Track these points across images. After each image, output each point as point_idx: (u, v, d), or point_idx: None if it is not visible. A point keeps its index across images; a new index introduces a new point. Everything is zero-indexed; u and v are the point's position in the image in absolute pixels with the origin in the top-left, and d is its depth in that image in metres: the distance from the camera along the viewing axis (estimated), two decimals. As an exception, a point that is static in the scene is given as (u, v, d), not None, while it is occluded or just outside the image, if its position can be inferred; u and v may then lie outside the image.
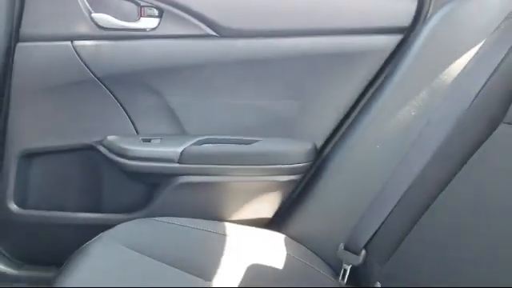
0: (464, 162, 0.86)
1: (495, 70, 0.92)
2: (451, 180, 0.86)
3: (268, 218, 1.13)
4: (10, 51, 1.04)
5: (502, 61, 0.92)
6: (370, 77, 1.09)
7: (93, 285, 0.85)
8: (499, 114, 0.87)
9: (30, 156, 1.12)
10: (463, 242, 0.81)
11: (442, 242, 0.84)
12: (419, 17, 1.08)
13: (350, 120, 1.11)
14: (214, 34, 1.06)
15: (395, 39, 1.08)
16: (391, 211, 0.94)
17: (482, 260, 0.77)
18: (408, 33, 1.08)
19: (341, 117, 1.12)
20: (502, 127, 0.85)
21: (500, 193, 0.79)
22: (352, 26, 1.09)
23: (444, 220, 0.85)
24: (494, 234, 0.77)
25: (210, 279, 0.91)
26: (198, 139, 1.10)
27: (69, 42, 1.04)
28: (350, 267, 0.97)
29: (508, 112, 0.86)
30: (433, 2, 1.08)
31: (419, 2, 1.08)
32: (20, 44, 1.04)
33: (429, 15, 1.07)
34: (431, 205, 0.87)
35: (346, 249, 0.99)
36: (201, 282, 0.90)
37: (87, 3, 1.04)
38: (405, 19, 1.08)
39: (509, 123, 0.84)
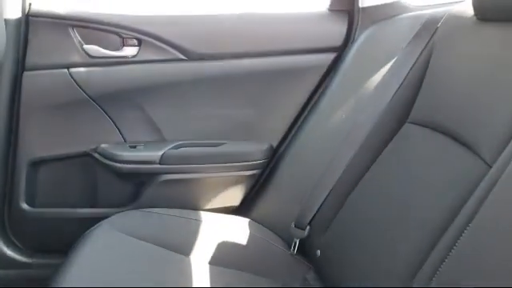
0: (380, 153, 1.11)
1: (404, 79, 1.17)
2: (370, 167, 1.10)
3: (235, 206, 1.37)
4: (17, 78, 1.26)
5: (409, 71, 1.17)
6: (312, 87, 1.34)
7: (94, 264, 1.07)
8: (405, 115, 1.12)
9: (37, 163, 1.33)
10: (380, 215, 1.04)
11: (364, 216, 1.08)
12: (349, 37, 1.32)
13: (298, 123, 1.35)
14: (183, 57, 1.29)
15: (331, 56, 1.33)
16: (328, 193, 1.18)
17: (393, 226, 1.00)
18: (340, 51, 1.33)
19: (291, 121, 1.36)
20: (406, 126, 1.10)
21: (404, 176, 1.04)
22: (296, 47, 1.33)
23: (366, 198, 1.09)
24: (401, 209, 1.00)
25: (188, 255, 1.14)
26: (175, 144, 1.33)
27: (66, 70, 1.27)
28: (298, 240, 1.22)
29: (411, 113, 1.11)
30: (359, 25, 1.32)
31: (349, 25, 1.33)
32: (26, 72, 1.26)
33: (356, 36, 1.32)
34: (356, 187, 1.12)
35: (295, 226, 1.23)
36: (182, 258, 1.14)
37: (79, 37, 1.27)
38: (337, 40, 1.33)
39: (411, 122, 1.09)
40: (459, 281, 0.67)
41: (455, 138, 0.91)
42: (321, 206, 1.19)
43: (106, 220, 1.19)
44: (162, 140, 1.35)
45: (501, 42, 0.91)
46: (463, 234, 0.69)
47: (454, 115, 0.94)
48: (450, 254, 0.70)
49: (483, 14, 0.97)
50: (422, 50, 1.16)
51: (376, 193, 1.07)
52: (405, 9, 1.32)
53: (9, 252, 1.35)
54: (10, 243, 1.36)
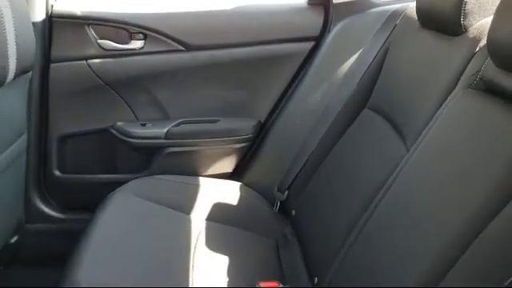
0: (344, 131, 1.33)
1: (367, 69, 1.37)
2: (337, 143, 1.33)
3: (229, 173, 1.62)
4: (45, 70, 1.49)
5: (371, 62, 1.37)
6: (293, 72, 1.54)
7: (116, 222, 1.33)
8: (365, 101, 1.33)
9: (65, 138, 1.59)
10: (338, 181, 1.26)
11: (328, 182, 1.31)
12: (325, 28, 1.52)
13: (281, 103, 1.57)
14: (182, 48, 1.51)
15: (309, 45, 1.53)
16: (304, 164, 1.43)
17: (345, 189, 1.21)
18: (318, 40, 1.53)
19: (275, 101, 1.58)
20: (365, 111, 1.32)
21: (354, 153, 1.25)
22: (279, 37, 1.53)
23: (331, 168, 1.32)
24: (350, 177, 1.22)
25: (189, 213, 1.41)
26: (177, 121, 1.57)
27: (84, 61, 1.50)
28: (279, 202, 1.48)
29: (369, 100, 1.32)
30: (334, 18, 1.50)
31: (325, 18, 1.52)
32: (52, 65, 1.50)
33: (331, 27, 1.51)
34: (325, 159, 1.35)
35: (277, 190, 1.49)
36: (184, 216, 1.40)
37: (94, 33, 1.49)
38: (315, 30, 1.53)
39: (369, 108, 1.31)
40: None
41: (394, 126, 1.14)
42: (297, 174, 1.44)
43: (123, 186, 1.45)
44: (166, 118, 1.59)
45: (434, 48, 1.11)
46: (371, 217, 0.93)
47: (395, 106, 1.16)
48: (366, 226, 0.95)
49: (422, 23, 1.17)
50: (383, 44, 1.36)
51: (338, 164, 1.31)
52: (373, 4, 1.50)
53: (46, 209, 1.62)
54: (46, 203, 1.63)
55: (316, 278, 1.11)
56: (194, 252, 1.26)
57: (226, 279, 1.20)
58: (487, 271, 0.61)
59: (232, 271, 1.22)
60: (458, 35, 0.98)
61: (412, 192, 0.85)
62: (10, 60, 1.10)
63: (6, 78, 1.10)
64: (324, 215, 1.22)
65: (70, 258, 1.17)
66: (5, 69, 1.09)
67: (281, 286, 1.12)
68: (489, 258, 0.61)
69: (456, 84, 0.89)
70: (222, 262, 1.25)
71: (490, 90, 0.78)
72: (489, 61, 0.79)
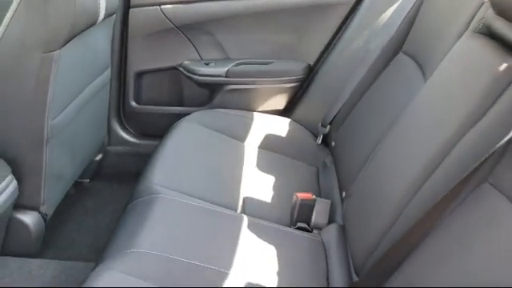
0: (380, 73, 1.50)
1: (406, 15, 1.51)
2: (373, 83, 1.51)
3: (280, 109, 1.83)
4: (126, 14, 1.74)
5: (411, 8, 1.50)
6: (340, 20, 1.71)
7: (180, 147, 1.55)
8: (400, 46, 1.48)
9: (141, 73, 1.84)
10: (370, 118, 1.43)
11: (362, 119, 1.49)
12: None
13: (329, 49, 1.75)
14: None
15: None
16: (344, 103, 1.61)
17: (376, 124, 1.42)
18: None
19: (324, 45, 1.76)
20: (399, 55, 1.47)
21: (384, 93, 1.42)
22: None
23: (365, 107, 1.50)
24: (379, 113, 1.40)
25: (243, 141, 1.64)
26: (236, 62, 1.79)
27: (158, 7, 1.73)
28: (321, 135, 1.69)
29: (405, 43, 1.47)
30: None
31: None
32: (131, 9, 1.74)
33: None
34: (361, 98, 1.53)
35: (321, 125, 1.69)
36: (239, 143, 1.63)
37: (168, -16, 1.72)
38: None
39: (403, 52, 1.46)
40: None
41: (420, 67, 1.29)
42: (338, 111, 1.63)
43: (188, 116, 1.70)
44: (227, 59, 1.81)
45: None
46: (387, 138, 1.12)
47: (423, 49, 1.31)
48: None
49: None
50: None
51: (371, 102, 1.49)
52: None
53: (123, 134, 1.91)
54: (124, 129, 1.91)
55: (344, 192, 1.32)
56: (246, 173, 1.50)
57: (271, 193, 1.43)
58: (464, 170, 0.80)
59: (276, 187, 1.45)
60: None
61: (417, 117, 1.04)
62: (101, 4, 1.35)
63: (97, 18, 1.36)
64: (356, 145, 1.42)
65: (143, 171, 1.43)
66: (97, 11, 1.34)
67: (314, 197, 1.34)
68: (465, 160, 0.80)
69: (467, 28, 1.04)
70: (268, 181, 1.48)
71: (488, 34, 0.94)
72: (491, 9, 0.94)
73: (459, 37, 1.05)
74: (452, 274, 0.77)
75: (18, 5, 1.16)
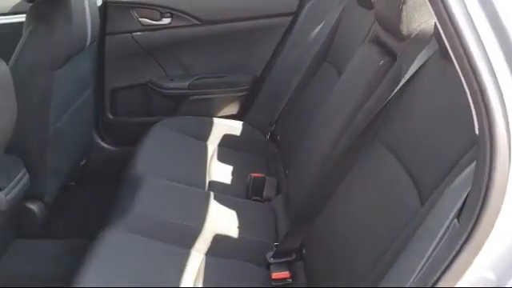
0: (312, 78, 1.91)
1: (329, 32, 1.92)
2: (308, 85, 1.92)
3: (234, 114, 2.21)
4: (102, 40, 2.08)
5: (332, 27, 1.92)
6: (279, 38, 2.12)
7: (153, 146, 1.91)
8: (325, 55, 1.90)
9: (116, 90, 2.18)
10: (310, 112, 1.85)
11: (306, 111, 1.90)
12: (301, 5, 2.09)
13: (271, 62, 2.15)
14: (198, 23, 2.09)
15: (289, 19, 2.11)
16: (286, 102, 2.01)
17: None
18: (296, 14, 2.10)
19: (267, 60, 2.16)
20: (324, 64, 1.89)
21: (321, 92, 1.84)
22: (266, 13, 2.11)
23: (304, 103, 1.91)
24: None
25: (205, 141, 2.01)
26: (196, 77, 2.17)
27: (129, 34, 2.10)
28: (269, 132, 2.07)
29: (328, 54, 1.88)
30: (307, -3, 2.08)
31: (301, -2, 2.09)
32: (107, 36, 2.09)
33: (306, 2, 2.08)
34: (301, 96, 1.94)
35: (268, 124, 2.08)
36: (201, 142, 2.00)
37: (136, 14, 2.08)
38: (293, 7, 2.10)
39: (327, 61, 1.88)
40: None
41: (336, 69, 1.70)
42: (281, 110, 2.02)
43: (158, 123, 2.05)
44: (188, 75, 2.19)
45: (359, 16, 1.68)
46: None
47: (338, 57, 1.73)
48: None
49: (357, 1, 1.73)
50: (339, 15, 1.91)
51: (306, 102, 1.87)
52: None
53: (102, 143, 2.23)
54: (102, 138, 2.24)
55: (286, 170, 1.71)
56: (210, 164, 1.87)
57: (230, 176, 1.80)
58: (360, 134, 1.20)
59: (234, 172, 1.83)
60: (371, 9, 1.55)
61: (332, 103, 1.45)
62: (88, 33, 1.71)
63: (86, 44, 1.71)
64: (296, 133, 1.81)
65: (128, 163, 1.77)
66: (86, 38, 1.69)
67: (264, 176, 1.73)
68: (360, 127, 1.21)
69: (366, 39, 1.47)
70: (228, 168, 1.86)
71: (377, 41, 1.36)
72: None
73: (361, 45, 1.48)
74: (351, 211, 1.16)
75: (28, 36, 1.50)
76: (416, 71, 1.09)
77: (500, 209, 0.55)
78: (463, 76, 0.60)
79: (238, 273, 1.32)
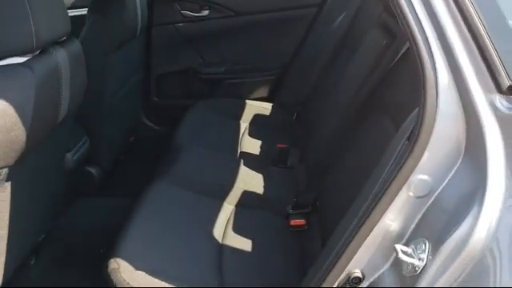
0: (333, 61, 2.14)
1: (348, 21, 2.15)
2: (329, 66, 2.15)
3: (265, 96, 2.46)
4: (149, 30, 2.36)
5: (352, 15, 2.14)
6: (305, 28, 2.35)
7: (192, 124, 2.20)
8: (344, 41, 2.13)
9: (161, 75, 2.47)
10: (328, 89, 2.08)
11: (322, 93, 2.13)
12: (325, -1, 2.32)
13: (299, 50, 2.39)
14: (233, 14, 2.35)
15: (314, 10, 2.33)
16: (312, 85, 2.25)
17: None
18: (321, 5, 2.33)
19: (295, 47, 2.40)
20: (344, 50, 2.11)
21: (338, 72, 2.07)
22: (290, 5, 2.34)
23: (324, 84, 2.14)
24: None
25: (238, 120, 2.26)
26: (231, 63, 2.43)
27: (173, 25, 2.38)
28: (296, 113, 2.31)
29: (347, 40, 2.11)
30: (331, -9, 2.30)
31: (326, -10, 2.32)
32: (153, 28, 2.38)
33: (329, -4, 2.31)
34: (322, 78, 2.17)
35: (295, 106, 2.32)
36: (236, 122, 2.26)
37: (179, 7, 2.36)
38: (318, -1, 2.33)
39: (346, 47, 2.10)
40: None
41: (353, 52, 1.92)
42: (305, 95, 2.25)
43: (197, 103, 2.32)
44: (224, 61, 2.45)
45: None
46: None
47: (356, 40, 1.95)
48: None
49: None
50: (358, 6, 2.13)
51: (328, 84, 2.11)
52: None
53: (148, 123, 2.54)
54: (149, 118, 2.54)
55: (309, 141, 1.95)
56: (242, 138, 2.12)
57: (259, 148, 2.05)
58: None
59: (263, 144, 2.07)
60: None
61: (346, 79, 1.68)
62: (138, 22, 1.99)
63: (136, 33, 2.00)
64: (319, 111, 2.04)
65: (171, 135, 2.05)
66: (136, 27, 1.98)
67: (289, 146, 1.97)
68: (364, 96, 1.44)
69: (375, 24, 1.69)
70: (257, 141, 2.10)
71: (382, 26, 1.58)
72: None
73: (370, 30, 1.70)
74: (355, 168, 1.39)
75: (89, 25, 1.80)
76: (407, 48, 1.31)
77: (432, 129, 0.77)
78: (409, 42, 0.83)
79: (261, 220, 1.57)
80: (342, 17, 2.23)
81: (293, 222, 1.54)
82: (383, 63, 1.46)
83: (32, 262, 1.75)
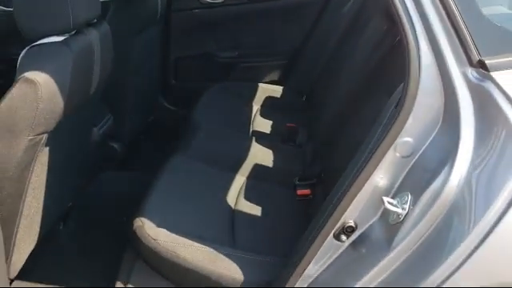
0: (341, 46, 2.27)
1: (355, 12, 2.27)
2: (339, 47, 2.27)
3: (276, 80, 2.59)
4: (169, 16, 2.50)
5: (357, 9, 2.26)
6: (315, 15, 2.48)
7: (208, 104, 2.34)
8: (352, 26, 2.25)
9: (178, 58, 2.61)
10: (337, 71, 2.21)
11: (330, 76, 2.26)
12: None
13: (309, 36, 2.51)
14: (247, 1, 2.49)
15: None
16: (320, 70, 2.38)
17: None
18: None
19: (305, 33, 2.52)
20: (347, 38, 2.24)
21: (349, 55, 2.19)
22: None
23: (333, 67, 2.26)
24: None
25: (251, 102, 2.40)
26: (246, 47, 2.57)
27: (190, 11, 2.51)
28: (305, 95, 2.45)
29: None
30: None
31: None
32: (173, 13, 2.52)
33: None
34: (330, 64, 2.30)
35: (305, 88, 2.45)
36: (249, 103, 2.39)
37: (201, -4, 2.50)
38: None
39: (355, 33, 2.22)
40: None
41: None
42: (315, 79, 2.39)
43: (213, 87, 2.46)
44: (238, 45, 2.59)
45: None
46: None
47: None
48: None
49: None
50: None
51: (335, 70, 2.24)
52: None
53: (166, 104, 2.68)
54: (166, 100, 2.69)
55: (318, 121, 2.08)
56: (254, 118, 2.26)
57: (270, 128, 2.19)
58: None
59: (273, 124, 2.21)
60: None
61: (350, 64, 1.81)
62: (158, 8, 2.14)
63: (156, 17, 2.14)
64: (328, 93, 2.17)
65: (188, 115, 2.20)
66: (156, 12, 2.13)
67: (297, 126, 2.11)
68: (365, 77, 1.57)
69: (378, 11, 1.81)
70: (268, 121, 2.24)
71: (384, 12, 1.71)
72: None
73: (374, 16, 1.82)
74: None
75: (113, 10, 1.95)
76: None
77: (415, 97, 0.90)
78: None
79: (270, 190, 1.72)
80: (351, 3, 2.35)
81: (299, 192, 1.69)
82: (383, 47, 1.59)
83: (60, 228, 1.92)
